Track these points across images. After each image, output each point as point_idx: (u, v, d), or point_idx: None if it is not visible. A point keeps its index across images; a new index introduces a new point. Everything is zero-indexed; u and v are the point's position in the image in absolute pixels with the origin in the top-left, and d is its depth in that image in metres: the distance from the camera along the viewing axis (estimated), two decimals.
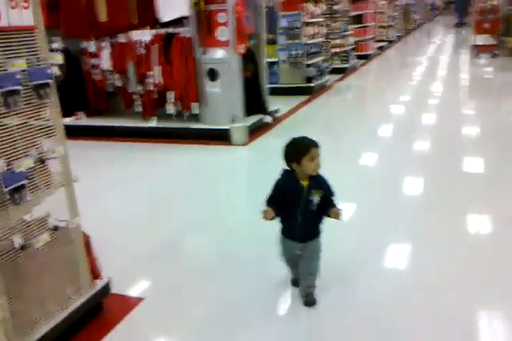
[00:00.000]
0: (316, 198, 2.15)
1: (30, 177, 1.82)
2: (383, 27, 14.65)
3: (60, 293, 2.07)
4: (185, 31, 5.30)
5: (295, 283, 2.43)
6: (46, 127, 1.92)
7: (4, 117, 1.73)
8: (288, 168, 2.20)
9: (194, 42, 5.23)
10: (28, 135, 1.84)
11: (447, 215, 3.27)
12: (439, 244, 2.88)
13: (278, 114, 6.22)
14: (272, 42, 7.61)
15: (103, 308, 2.36)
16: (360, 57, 11.32)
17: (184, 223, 3.39)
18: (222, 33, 5.14)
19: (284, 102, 6.74)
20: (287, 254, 2.34)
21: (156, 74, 5.41)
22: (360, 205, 3.47)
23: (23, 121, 1.80)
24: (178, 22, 5.61)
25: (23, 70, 1.77)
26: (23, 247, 1.82)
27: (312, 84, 7.77)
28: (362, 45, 11.66)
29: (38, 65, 1.86)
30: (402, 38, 18.15)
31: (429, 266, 2.65)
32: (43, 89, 1.86)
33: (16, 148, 1.79)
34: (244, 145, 5.19)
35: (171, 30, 5.40)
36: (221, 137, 5.21)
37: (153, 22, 5.66)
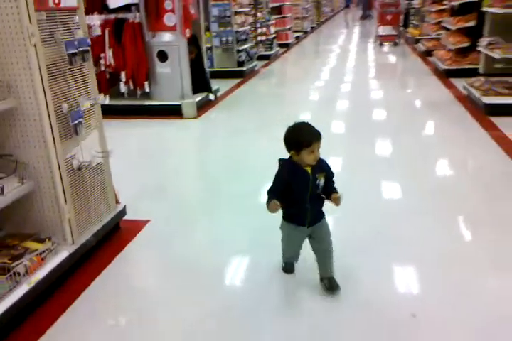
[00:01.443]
0: (321, 181, 2.14)
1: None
2: (298, 18, 15.85)
3: (97, 208, 2.75)
4: (134, 17, 5.89)
5: (289, 269, 2.47)
6: (87, 82, 2.59)
7: (67, 72, 2.39)
8: (284, 159, 2.18)
9: (144, 26, 5.85)
10: (78, 86, 2.51)
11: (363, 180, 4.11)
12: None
13: (219, 93, 7.01)
14: (206, 29, 8.33)
15: (120, 227, 3.06)
16: (281, 45, 12.35)
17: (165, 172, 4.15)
18: (170, 19, 5.82)
19: (221, 84, 7.51)
20: (295, 241, 2.33)
21: (108, 56, 5.95)
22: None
23: (76, 76, 2.47)
24: (126, 8, 6.15)
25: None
26: (79, 168, 2.50)
27: (244, 68, 8.63)
28: (282, 34, 12.70)
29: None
30: (316, 29, 19.56)
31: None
32: (85, 54, 2.52)
33: (72, 95, 2.46)
34: (195, 118, 5.94)
35: (120, 15, 5.96)
36: (173, 112, 5.91)
37: (101, 8, 6.16)
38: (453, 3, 8.57)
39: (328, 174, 2.18)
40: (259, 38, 10.42)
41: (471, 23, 7.50)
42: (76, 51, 2.37)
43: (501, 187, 3.56)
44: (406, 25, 15.20)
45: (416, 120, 5.67)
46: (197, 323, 2.18)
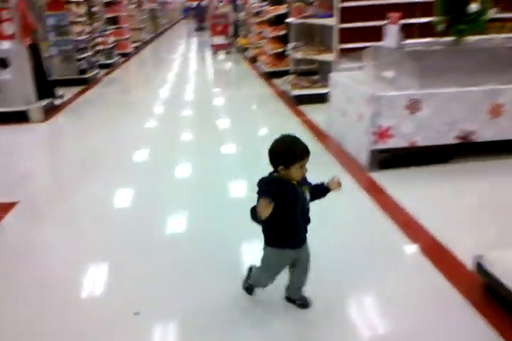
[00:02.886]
0: (308, 195, 2.06)
1: None
2: (136, 29, 16.40)
3: None
4: None
5: (252, 290, 2.34)
6: None
7: None
8: (266, 177, 2.05)
9: None
10: None
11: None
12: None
13: (63, 99, 7.33)
14: (43, 38, 8.49)
15: None
16: (121, 54, 12.81)
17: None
18: (8, 28, 6.05)
19: (64, 91, 7.79)
20: (282, 266, 2.18)
21: None
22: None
23: None
24: None
25: None
26: None
27: (86, 76, 8.97)
28: (121, 44, 13.16)
29: None
30: (154, 40, 20.26)
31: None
32: None
33: None
34: (42, 122, 6.24)
35: None
36: (20, 117, 6.13)
37: None
38: (269, 15, 10.04)
39: (311, 186, 2.10)
40: (98, 47, 10.77)
41: (283, 32, 8.96)
42: None
43: None
44: (236, 35, 16.77)
45: (248, 112, 6.80)
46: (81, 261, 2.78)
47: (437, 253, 2.69)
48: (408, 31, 4.59)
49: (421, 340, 2.09)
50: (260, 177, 2.06)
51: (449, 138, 3.78)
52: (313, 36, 7.79)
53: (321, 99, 6.35)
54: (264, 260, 2.16)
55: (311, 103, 6.50)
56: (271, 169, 2.04)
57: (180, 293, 2.46)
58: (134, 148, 5.03)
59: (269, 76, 9.13)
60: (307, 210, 2.09)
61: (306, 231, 2.12)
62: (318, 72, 7.53)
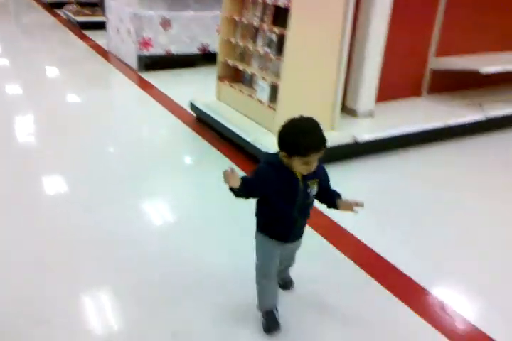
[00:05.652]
0: (314, 189, 1.80)
1: None
2: None
3: None
4: None
5: (273, 325, 1.99)
6: None
7: None
8: (271, 155, 1.79)
9: None
10: None
11: None
12: None
13: None
14: None
15: None
16: None
17: None
18: None
19: None
20: (275, 259, 1.93)
21: None
22: None
23: None
24: None
25: None
26: None
27: None
28: None
29: None
30: None
31: None
32: None
33: None
34: None
35: None
36: None
37: None
38: None
39: (323, 181, 1.84)
40: None
41: None
42: None
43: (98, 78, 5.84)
44: None
45: (34, 40, 7.36)
46: None
47: (184, 116, 4.30)
48: None
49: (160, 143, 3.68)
50: (266, 152, 1.89)
51: (194, 49, 5.42)
52: None
53: (103, 26, 7.39)
54: (256, 247, 1.94)
55: (93, 29, 7.46)
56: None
57: None
58: None
59: (51, 6, 9.52)
60: (308, 206, 1.85)
61: (303, 228, 1.92)
62: (98, 4, 8.40)
